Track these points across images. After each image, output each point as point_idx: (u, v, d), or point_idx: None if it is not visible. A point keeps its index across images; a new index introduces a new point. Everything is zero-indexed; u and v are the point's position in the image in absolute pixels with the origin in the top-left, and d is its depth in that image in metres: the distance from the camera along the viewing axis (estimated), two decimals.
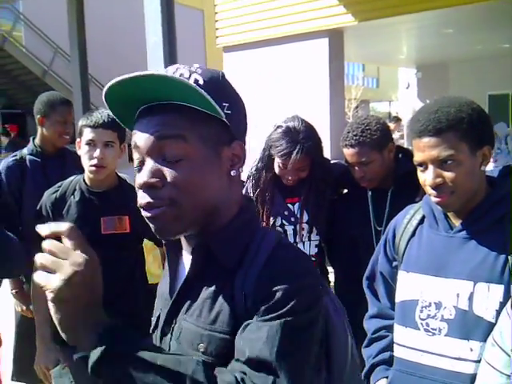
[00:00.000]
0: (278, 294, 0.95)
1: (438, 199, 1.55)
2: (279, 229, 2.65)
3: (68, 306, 0.86)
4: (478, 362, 1.49)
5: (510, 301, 1.42)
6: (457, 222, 1.61)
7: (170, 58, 4.69)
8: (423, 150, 1.53)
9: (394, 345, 1.71)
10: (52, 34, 16.80)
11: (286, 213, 2.65)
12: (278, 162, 2.58)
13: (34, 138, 3.20)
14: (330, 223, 2.68)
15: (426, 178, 1.55)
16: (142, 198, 1.01)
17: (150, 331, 1.19)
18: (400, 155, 2.49)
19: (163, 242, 1.14)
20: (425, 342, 1.59)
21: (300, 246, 2.65)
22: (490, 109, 13.13)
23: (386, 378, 1.73)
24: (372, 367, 1.80)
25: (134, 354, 0.88)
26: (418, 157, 1.57)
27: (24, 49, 17.58)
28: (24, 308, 3.05)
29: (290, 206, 2.67)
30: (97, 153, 2.26)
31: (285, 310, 0.94)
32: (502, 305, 1.47)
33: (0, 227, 1.83)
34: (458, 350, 1.52)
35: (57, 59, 17.33)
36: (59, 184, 2.49)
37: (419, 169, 1.59)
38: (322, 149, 2.64)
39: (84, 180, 2.41)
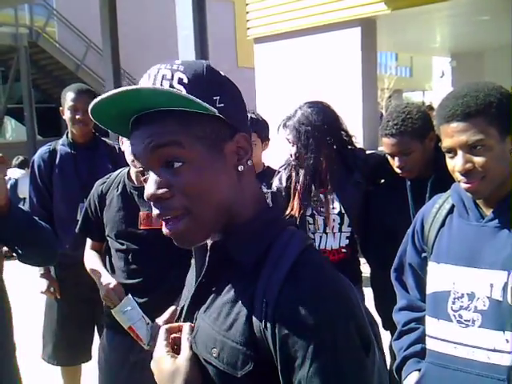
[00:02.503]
0: (309, 328, 0.90)
1: (467, 185, 1.52)
2: (309, 218, 2.65)
3: None
4: None
5: None
6: (487, 211, 1.57)
7: (202, 51, 4.69)
8: (451, 135, 1.51)
9: (426, 337, 1.68)
10: (84, 28, 16.98)
11: (316, 203, 2.65)
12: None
13: (67, 132, 3.32)
14: (364, 214, 2.66)
15: (455, 164, 1.52)
16: (155, 209, 0.99)
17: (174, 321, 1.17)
18: (440, 144, 2.42)
19: None
20: (458, 333, 1.56)
21: (330, 237, 2.65)
22: None
23: (419, 370, 1.69)
24: (404, 360, 1.76)
25: None
26: (446, 143, 1.54)
27: (57, 44, 17.80)
28: (44, 289, 3.18)
29: (321, 196, 2.65)
30: None
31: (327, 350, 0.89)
32: None
33: (27, 215, 1.86)
34: (494, 341, 1.49)
35: (89, 54, 17.50)
36: (108, 176, 2.56)
37: (448, 155, 1.56)
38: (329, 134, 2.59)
39: (129, 174, 2.45)
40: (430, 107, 11.86)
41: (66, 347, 3.23)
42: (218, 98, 0.98)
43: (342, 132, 2.67)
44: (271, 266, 0.96)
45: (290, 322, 0.90)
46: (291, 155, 2.62)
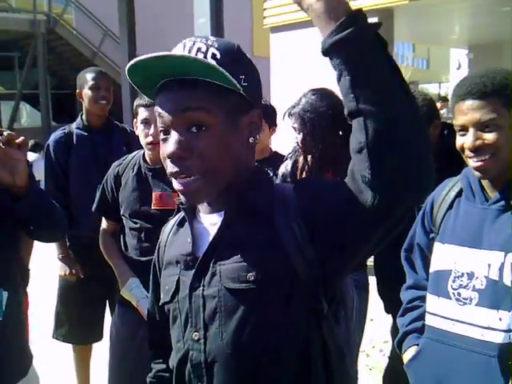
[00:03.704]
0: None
1: (477, 164, 1.57)
2: None
3: None
4: (507, 331, 1.51)
5: None
6: (493, 195, 1.62)
7: None
8: (466, 112, 1.56)
9: (426, 314, 1.74)
10: (101, 16, 17.02)
11: None
12: None
13: (82, 114, 3.35)
14: None
15: (465, 140, 1.58)
16: (172, 167, 1.09)
17: (168, 299, 1.23)
18: (445, 132, 2.42)
19: (181, 207, 1.22)
20: (456, 311, 1.62)
21: None
22: None
23: (417, 345, 1.76)
24: (404, 335, 1.83)
25: None
26: (459, 120, 1.59)
27: (74, 31, 17.86)
28: (67, 272, 3.23)
29: None
30: (151, 130, 2.36)
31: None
32: None
33: (44, 194, 1.91)
34: (488, 319, 1.54)
35: (106, 41, 17.55)
36: (124, 157, 2.62)
37: (459, 133, 1.61)
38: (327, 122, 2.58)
39: (144, 156, 2.51)
40: (445, 98, 11.76)
41: (81, 326, 3.30)
42: (244, 77, 1.10)
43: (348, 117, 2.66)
44: (280, 205, 1.11)
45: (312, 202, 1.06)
46: (298, 143, 2.65)
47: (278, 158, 2.96)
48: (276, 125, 3.08)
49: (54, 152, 3.24)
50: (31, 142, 9.94)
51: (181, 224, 1.29)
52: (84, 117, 3.31)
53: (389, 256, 2.09)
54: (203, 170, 1.07)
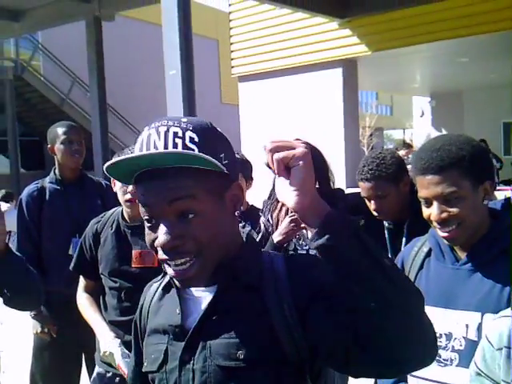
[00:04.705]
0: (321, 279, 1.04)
1: (445, 234, 1.58)
2: (292, 253, 2.69)
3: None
4: None
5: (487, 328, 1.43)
6: (462, 255, 1.64)
7: (188, 90, 4.79)
8: (427, 187, 1.58)
9: (408, 376, 1.73)
10: (70, 63, 17.10)
11: (298, 237, 2.71)
12: None
13: (54, 169, 3.34)
14: None
15: (431, 212, 1.59)
16: (163, 255, 1.07)
17: (154, 369, 1.20)
18: (415, 187, 2.50)
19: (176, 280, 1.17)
20: (437, 372, 1.61)
21: None
22: (504, 136, 13.13)
23: None
24: None
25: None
26: (422, 193, 1.61)
27: (42, 78, 17.88)
28: (39, 330, 3.14)
29: (304, 232, 2.70)
30: (130, 188, 2.33)
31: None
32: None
33: (21, 260, 1.85)
34: None
35: (74, 88, 17.57)
36: (103, 214, 2.60)
37: (424, 204, 1.63)
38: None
39: (122, 212, 2.48)
40: (409, 145, 12.10)
41: None
42: (223, 155, 1.09)
43: (326, 166, 2.73)
44: (271, 278, 1.11)
45: (309, 289, 1.06)
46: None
47: (255, 212, 2.99)
48: (252, 178, 3.11)
49: (27, 207, 3.22)
50: (2, 192, 9.74)
51: (166, 289, 1.25)
52: (57, 171, 3.30)
53: None
54: (197, 251, 1.06)
